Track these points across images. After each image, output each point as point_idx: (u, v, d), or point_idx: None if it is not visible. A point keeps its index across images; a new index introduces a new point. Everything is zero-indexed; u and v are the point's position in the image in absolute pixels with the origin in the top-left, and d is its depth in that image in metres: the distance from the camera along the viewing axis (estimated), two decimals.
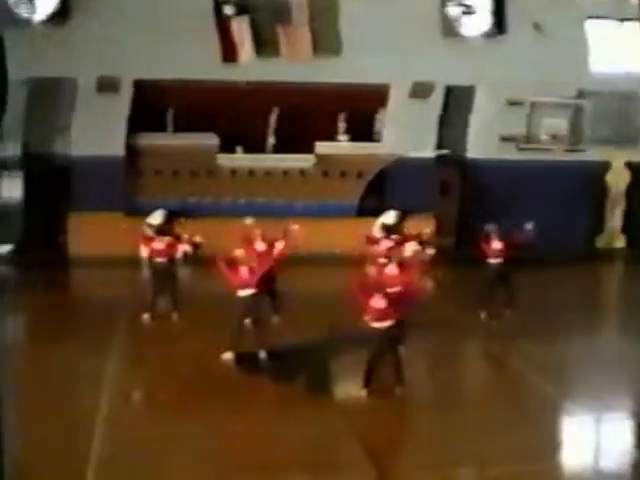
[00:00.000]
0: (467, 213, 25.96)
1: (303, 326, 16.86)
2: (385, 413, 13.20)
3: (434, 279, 13.81)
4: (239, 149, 25.28)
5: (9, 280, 21.88)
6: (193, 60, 22.73)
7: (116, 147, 24.09)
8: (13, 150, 23.39)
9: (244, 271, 15.02)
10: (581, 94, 26.73)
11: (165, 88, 23.90)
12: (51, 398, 12.97)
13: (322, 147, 25.55)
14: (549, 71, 24.75)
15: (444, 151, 26.40)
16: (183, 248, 18.93)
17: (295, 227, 17.12)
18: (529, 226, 18.50)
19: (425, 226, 20.17)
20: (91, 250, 22.57)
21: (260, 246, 17.02)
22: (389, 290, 13.77)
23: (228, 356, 14.99)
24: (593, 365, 15.72)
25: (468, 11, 24.95)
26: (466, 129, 26.63)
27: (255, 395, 13.70)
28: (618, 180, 27.52)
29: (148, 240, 18.40)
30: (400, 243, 17.99)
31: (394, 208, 24.41)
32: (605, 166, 27.34)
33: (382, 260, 16.38)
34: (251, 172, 25.46)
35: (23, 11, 22.24)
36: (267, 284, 16.59)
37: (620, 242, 27.68)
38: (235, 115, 24.56)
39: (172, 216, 22.86)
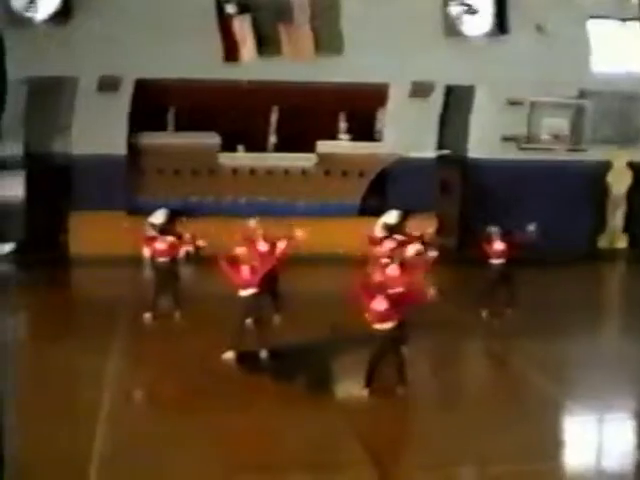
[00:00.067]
0: (468, 213, 25.97)
1: (305, 326, 16.87)
2: (386, 413, 13.18)
3: (436, 288, 13.77)
4: (240, 148, 25.30)
5: (10, 279, 21.89)
6: (195, 59, 22.74)
7: (117, 146, 24.12)
8: (14, 149, 23.37)
9: (246, 270, 15.01)
10: (582, 94, 26.73)
11: (167, 87, 23.91)
12: (53, 397, 12.96)
13: (323, 146, 25.57)
14: (550, 71, 24.78)
15: (445, 151, 26.41)
16: (185, 248, 18.92)
17: (299, 233, 17.03)
18: (532, 227, 18.51)
19: (427, 226, 20.18)
20: (92, 249, 22.59)
21: (262, 246, 17.00)
22: (391, 291, 13.74)
23: (229, 355, 14.99)
24: (595, 365, 15.70)
25: (470, 11, 24.97)
26: (467, 129, 26.64)
27: (256, 394, 13.69)
28: (619, 180, 27.52)
29: (150, 240, 18.40)
30: (403, 243, 17.98)
31: (396, 208, 24.42)
32: (607, 166, 27.36)
33: (384, 260, 16.36)
34: (252, 171, 25.47)
35: (25, 10, 22.28)
36: (269, 284, 16.58)
37: (622, 242, 27.69)
38: (236, 114, 24.56)
39: (174, 215, 22.86)
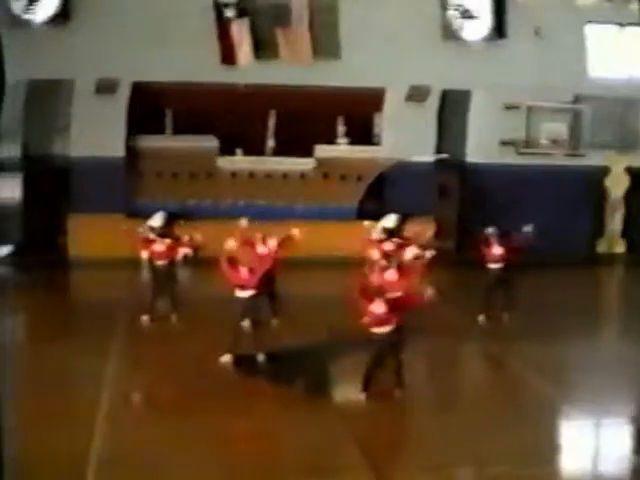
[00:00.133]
0: (467, 217, 25.99)
1: (302, 329, 16.89)
2: (384, 416, 13.18)
3: (435, 289, 13.75)
4: (239, 152, 25.32)
5: (8, 281, 21.88)
6: (192, 62, 22.80)
7: (115, 149, 24.12)
8: (12, 151, 23.39)
9: (244, 271, 15.02)
10: (580, 99, 26.76)
11: (164, 90, 23.92)
12: (50, 399, 12.94)
13: (322, 150, 25.59)
14: (548, 75, 24.85)
15: (443, 155, 26.43)
16: (183, 250, 18.91)
17: (295, 231, 17.14)
18: (528, 228, 18.55)
19: (426, 229, 20.21)
20: (90, 252, 22.58)
21: (261, 249, 17.01)
22: (389, 295, 13.74)
23: (227, 358, 14.99)
24: (592, 368, 15.74)
25: (468, 15, 25.01)
26: (465, 133, 26.68)
27: (254, 398, 13.69)
28: (618, 185, 27.55)
29: (148, 242, 18.40)
30: (401, 246, 18.00)
31: (394, 212, 24.41)
32: (605, 171, 27.39)
33: (382, 263, 16.38)
34: (251, 175, 25.48)
35: (24, 12, 22.31)
36: (267, 285, 16.58)
37: (620, 247, 27.71)
38: (234, 118, 24.57)
39: (172, 218, 22.84)
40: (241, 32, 23.43)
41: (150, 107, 24.18)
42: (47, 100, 23.91)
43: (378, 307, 13.33)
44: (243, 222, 17.79)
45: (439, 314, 17.72)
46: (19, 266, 23.01)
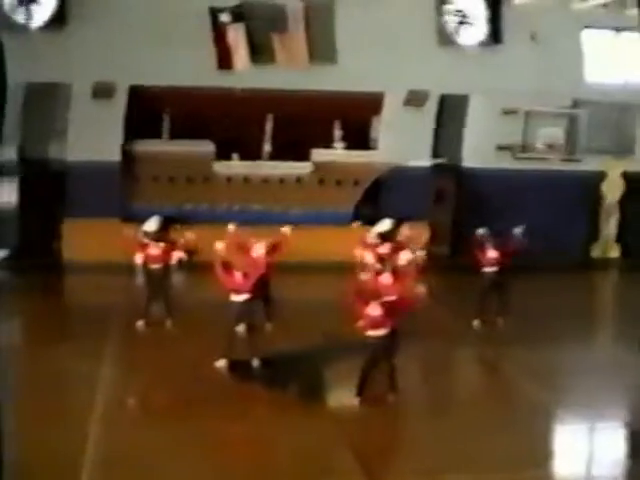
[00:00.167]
0: (463, 222, 25.97)
1: (297, 333, 16.91)
2: (378, 421, 13.20)
3: (427, 286, 13.77)
4: (235, 156, 25.27)
5: (3, 285, 21.84)
6: (189, 67, 22.78)
7: (112, 153, 24.07)
8: (8, 155, 23.34)
9: (238, 275, 15.04)
10: (577, 104, 26.78)
11: (161, 94, 23.88)
12: (45, 403, 12.95)
13: (318, 155, 25.57)
14: (545, 80, 24.86)
15: (440, 160, 26.43)
16: (178, 255, 18.91)
17: (286, 230, 17.17)
18: (518, 230, 18.62)
19: (420, 233, 20.23)
20: (86, 256, 22.53)
21: (256, 253, 16.99)
22: (385, 299, 13.76)
23: (222, 363, 14.99)
24: (586, 372, 15.76)
25: (464, 20, 25.05)
26: (461, 138, 26.69)
27: (248, 402, 13.72)
28: (613, 190, 27.57)
29: (143, 246, 18.40)
30: (395, 250, 18.02)
31: (389, 216, 24.41)
32: (601, 176, 27.41)
33: (377, 267, 16.41)
34: (247, 179, 25.44)
35: (20, 17, 22.33)
36: (261, 290, 16.59)
37: (615, 252, 27.73)
38: (231, 122, 24.52)
39: (167, 223, 22.83)
40: (237, 37, 23.42)
41: (147, 111, 24.14)
42: (44, 104, 23.88)
43: (374, 310, 13.36)
44: (231, 227, 17.74)
45: (433, 318, 17.80)
46: (15, 270, 22.97)
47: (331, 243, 22.84)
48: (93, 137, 23.24)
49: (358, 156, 25.75)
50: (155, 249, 17.82)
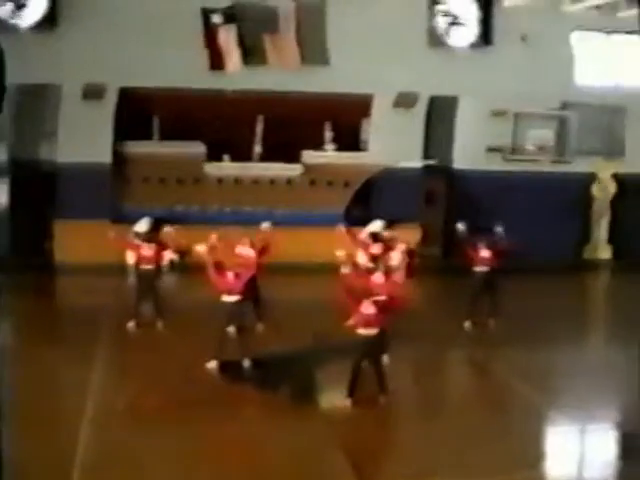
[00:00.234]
0: (453, 223, 25.94)
1: (287, 334, 16.89)
2: (369, 422, 13.17)
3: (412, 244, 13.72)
4: (226, 157, 25.25)
5: None
6: (180, 68, 22.72)
7: (103, 154, 24.02)
8: None
9: (230, 276, 15.03)
10: (566, 106, 26.83)
11: (151, 96, 23.84)
12: (35, 405, 12.84)
13: (309, 156, 25.57)
14: (535, 82, 24.89)
15: (430, 161, 26.45)
16: (169, 256, 18.88)
17: (265, 226, 17.12)
18: (499, 229, 18.69)
19: (407, 234, 20.24)
20: (77, 257, 22.49)
21: (246, 253, 16.97)
22: (377, 298, 13.76)
23: (212, 365, 14.96)
24: (578, 374, 15.77)
25: (455, 22, 25.07)
26: (452, 139, 26.72)
27: (239, 404, 13.69)
28: (604, 191, 27.63)
29: (135, 247, 18.37)
30: (387, 249, 18.02)
31: (380, 218, 24.40)
32: (591, 178, 27.47)
33: (369, 266, 16.43)
34: (238, 181, 25.42)
35: (10, 17, 22.26)
36: (251, 291, 16.58)
37: (606, 253, 27.78)
38: (222, 124, 24.47)
39: (158, 224, 22.79)
40: (229, 38, 23.39)
41: (137, 113, 24.09)
42: (34, 105, 23.83)
43: (367, 308, 13.37)
44: (213, 237, 17.27)
45: (425, 320, 17.80)
46: (4, 270, 22.87)
47: (322, 244, 22.78)
48: (83, 138, 23.19)
49: (349, 157, 25.76)
50: (146, 250, 17.78)
